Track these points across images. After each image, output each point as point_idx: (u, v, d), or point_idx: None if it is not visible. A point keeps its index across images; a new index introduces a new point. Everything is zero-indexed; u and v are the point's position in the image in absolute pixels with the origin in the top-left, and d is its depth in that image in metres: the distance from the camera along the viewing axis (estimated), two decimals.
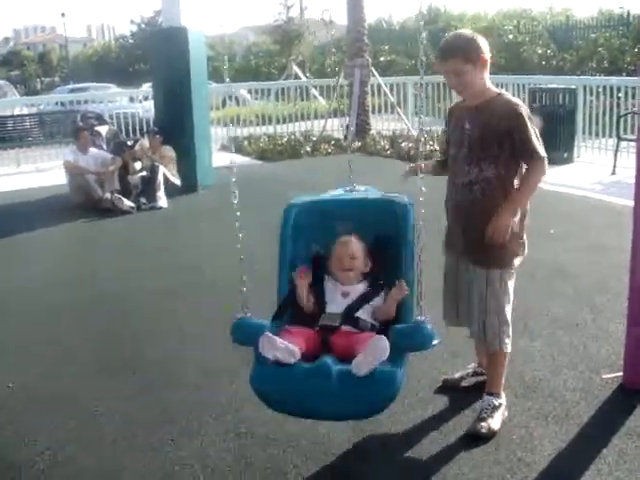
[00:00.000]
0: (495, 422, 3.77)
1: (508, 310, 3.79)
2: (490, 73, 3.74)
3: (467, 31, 3.85)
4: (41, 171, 13.01)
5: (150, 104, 13.41)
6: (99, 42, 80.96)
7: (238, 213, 3.38)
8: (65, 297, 6.23)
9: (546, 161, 3.59)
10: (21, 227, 8.71)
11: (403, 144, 13.34)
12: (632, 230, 4.17)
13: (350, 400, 2.95)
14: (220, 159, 12.75)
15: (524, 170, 3.68)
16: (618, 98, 12.15)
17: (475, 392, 4.06)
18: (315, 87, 19.12)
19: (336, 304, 3.38)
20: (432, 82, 14.46)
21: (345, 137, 14.69)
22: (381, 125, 16.19)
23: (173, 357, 4.94)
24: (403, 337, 3.07)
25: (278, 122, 16.39)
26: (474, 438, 3.71)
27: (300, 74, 25.98)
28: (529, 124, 3.57)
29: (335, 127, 16.08)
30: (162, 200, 10.03)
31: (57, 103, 18.62)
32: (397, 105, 15.73)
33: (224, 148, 15.04)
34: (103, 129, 11.96)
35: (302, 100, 18.15)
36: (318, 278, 3.49)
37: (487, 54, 3.67)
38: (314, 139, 14.67)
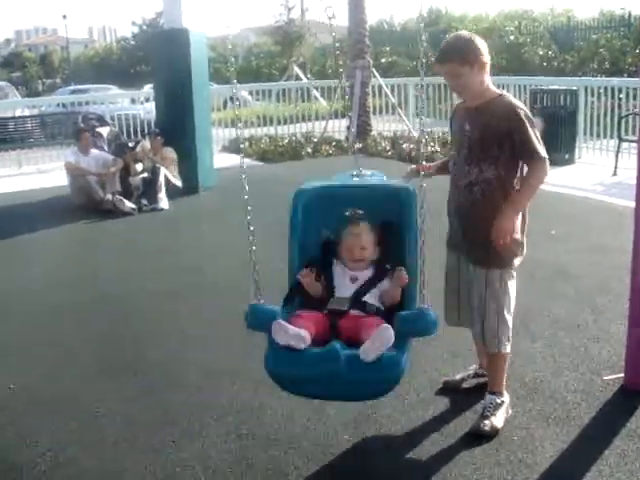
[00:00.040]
0: (498, 420, 3.78)
1: (508, 311, 3.79)
2: (491, 74, 3.75)
3: (465, 33, 3.86)
4: (42, 172, 13.02)
5: (151, 105, 13.43)
6: (100, 44, 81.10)
7: (249, 207, 3.46)
8: (66, 298, 6.23)
9: (547, 162, 3.59)
10: (22, 228, 8.72)
11: (404, 145, 13.34)
12: (633, 231, 4.17)
13: (358, 383, 3.07)
14: (221, 160, 12.76)
15: (525, 171, 3.69)
16: (619, 99, 12.14)
17: (476, 393, 4.06)
18: (316, 88, 19.11)
19: (344, 288, 3.45)
20: (433, 83, 14.44)
21: (346, 138, 14.69)
22: (382, 126, 16.19)
23: (174, 358, 4.94)
24: (407, 323, 3.16)
25: (279, 123, 16.39)
26: (477, 436, 3.72)
27: (301, 75, 25.98)
28: (529, 125, 3.58)
29: (336, 128, 16.08)
30: (163, 201, 10.03)
31: (59, 104, 18.62)
32: (398, 106, 15.73)
33: (225, 149, 15.07)
34: (104, 130, 11.97)
35: (303, 101, 18.15)
36: (327, 262, 3.57)
37: (486, 56, 3.67)
38: (315, 140, 14.67)
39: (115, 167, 10.34)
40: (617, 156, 10.99)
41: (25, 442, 3.90)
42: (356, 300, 3.40)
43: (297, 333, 3.09)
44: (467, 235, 3.80)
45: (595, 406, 4.03)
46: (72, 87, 32.95)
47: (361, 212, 3.59)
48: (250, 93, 19.62)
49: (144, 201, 9.93)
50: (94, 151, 10.66)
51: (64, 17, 68.74)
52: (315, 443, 3.77)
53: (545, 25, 25.89)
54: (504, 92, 3.84)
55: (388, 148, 13.62)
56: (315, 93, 18.88)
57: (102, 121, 12.55)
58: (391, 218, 3.62)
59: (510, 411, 3.90)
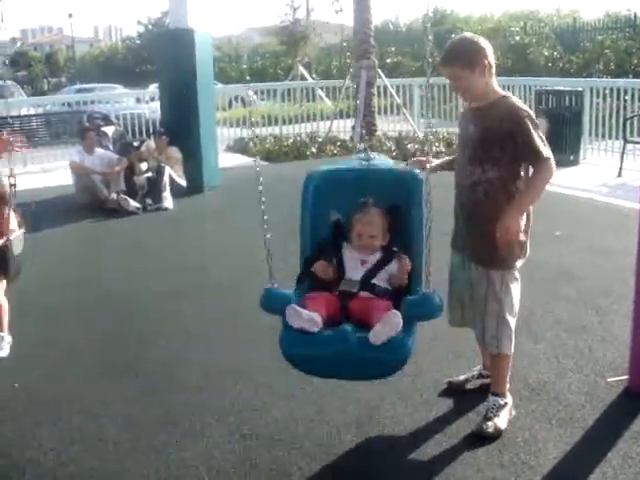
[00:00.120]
0: (501, 421, 3.78)
1: (510, 313, 3.78)
2: (496, 75, 3.75)
3: (469, 35, 3.86)
4: (47, 171, 13.03)
5: (156, 105, 13.43)
6: (106, 43, 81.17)
7: (263, 198, 3.48)
8: (70, 297, 6.24)
9: (552, 162, 3.57)
10: (27, 227, 8.71)
11: (409, 145, 13.34)
12: (638, 233, 4.15)
13: (367, 364, 3.22)
14: (226, 160, 12.78)
15: (530, 172, 3.68)
16: (625, 100, 12.13)
17: (480, 395, 4.05)
18: (321, 88, 19.12)
19: (354, 271, 3.56)
20: (438, 84, 14.44)
21: (351, 138, 14.68)
22: (387, 126, 16.19)
23: (177, 358, 4.94)
24: (414, 308, 3.29)
25: (284, 123, 16.40)
26: (480, 438, 3.72)
27: (306, 75, 26.00)
28: (531, 127, 3.56)
29: (341, 128, 16.08)
30: (168, 201, 10.04)
31: (64, 104, 18.64)
32: (403, 106, 15.73)
33: (230, 149, 15.07)
34: (109, 130, 11.97)
35: (308, 101, 18.16)
36: (337, 245, 3.67)
37: (489, 58, 3.67)
38: (320, 140, 14.66)
39: (120, 166, 10.34)
40: (622, 157, 10.98)
41: (27, 441, 3.90)
42: (365, 282, 3.52)
43: (310, 317, 3.22)
44: (470, 235, 3.81)
45: (599, 408, 4.02)
46: (77, 86, 33.01)
47: (373, 200, 3.67)
48: (255, 93, 19.62)
49: (149, 200, 9.93)
50: (99, 150, 10.66)
51: (70, 16, 68.84)
52: (318, 443, 3.77)
53: (551, 26, 25.81)
54: (508, 93, 3.83)
55: (393, 148, 13.62)
56: (320, 93, 18.88)
57: (107, 120, 12.56)
58: (398, 202, 3.70)
59: (513, 412, 3.89)
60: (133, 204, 9.74)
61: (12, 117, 13.68)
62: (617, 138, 11.95)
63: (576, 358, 4.65)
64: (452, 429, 3.86)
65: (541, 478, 3.43)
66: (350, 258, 3.61)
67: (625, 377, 4.28)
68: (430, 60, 3.42)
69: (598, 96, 12.43)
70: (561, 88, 12.62)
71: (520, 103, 3.73)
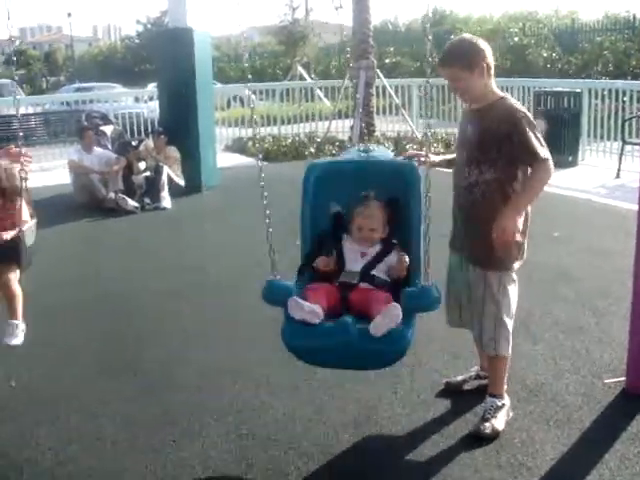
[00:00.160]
0: (499, 422, 3.78)
1: (507, 314, 3.78)
2: (495, 76, 3.76)
3: (468, 37, 3.86)
4: (45, 170, 13.00)
5: (155, 104, 13.45)
6: (105, 42, 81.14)
7: (266, 193, 3.56)
8: (68, 297, 6.23)
9: (550, 163, 3.57)
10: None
11: (407, 146, 13.34)
12: (636, 234, 4.16)
13: (367, 355, 3.28)
14: (224, 160, 12.78)
15: (528, 174, 3.68)
16: (623, 102, 12.14)
17: (477, 395, 4.06)
18: (320, 88, 19.11)
19: (354, 263, 3.61)
20: (436, 84, 14.43)
21: (350, 138, 14.67)
22: (385, 127, 16.19)
23: (175, 358, 4.94)
24: (412, 300, 3.34)
25: (283, 123, 16.39)
26: (477, 438, 3.72)
27: (305, 75, 26.00)
28: (528, 128, 3.56)
29: (339, 128, 16.08)
30: (166, 200, 10.04)
31: (62, 103, 18.62)
32: (402, 107, 15.73)
33: (228, 149, 15.07)
34: (108, 129, 11.98)
35: (307, 101, 18.15)
36: (337, 236, 3.72)
37: (488, 59, 3.68)
38: (318, 140, 14.66)
39: (118, 166, 10.36)
40: (620, 159, 10.99)
41: (26, 440, 3.90)
42: (365, 274, 3.57)
43: (311, 309, 3.27)
44: (467, 236, 3.81)
45: (596, 409, 4.02)
46: (76, 85, 32.99)
47: (373, 193, 3.70)
48: (253, 93, 19.61)
49: (147, 200, 9.94)
50: (97, 149, 10.67)
51: (69, 15, 69.06)
52: (315, 443, 3.77)
53: (549, 27, 25.84)
54: (507, 95, 3.84)
55: (392, 149, 13.61)
56: (319, 93, 18.88)
57: (106, 119, 12.57)
58: (397, 194, 3.73)
59: (511, 413, 3.90)
60: (131, 203, 9.74)
61: (10, 116, 13.67)
62: (615, 139, 11.96)
63: (573, 359, 4.66)
64: (450, 430, 3.86)
65: (538, 479, 3.43)
66: (350, 250, 3.65)
67: (622, 378, 4.29)
68: (429, 60, 3.44)
69: (597, 97, 12.44)
70: (560, 89, 12.63)
71: (518, 104, 3.74)
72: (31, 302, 5.38)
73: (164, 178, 10.17)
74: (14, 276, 4.92)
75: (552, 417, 3.94)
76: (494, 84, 3.76)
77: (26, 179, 4.48)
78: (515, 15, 30.99)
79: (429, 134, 4.03)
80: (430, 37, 3.96)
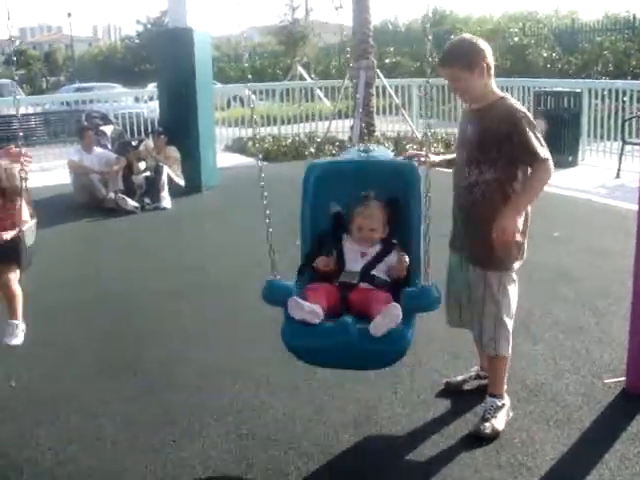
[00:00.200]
0: (499, 422, 3.78)
1: (507, 315, 3.78)
2: (495, 76, 3.75)
3: (468, 37, 3.86)
4: (45, 170, 13.00)
5: (155, 104, 13.45)
6: (105, 42, 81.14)
7: (266, 194, 3.59)
8: (68, 297, 6.24)
9: (550, 163, 3.57)
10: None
11: (407, 146, 13.34)
12: (636, 234, 4.16)
13: (368, 355, 3.29)
14: (224, 160, 12.78)
15: (528, 174, 3.68)
16: (623, 102, 12.14)
17: (477, 395, 4.06)
18: (320, 88, 19.11)
19: (354, 263, 3.62)
20: (436, 84, 14.43)
21: (350, 139, 14.67)
22: (385, 127, 16.19)
23: (175, 358, 4.94)
24: (413, 300, 3.35)
25: (283, 123, 16.39)
26: (477, 439, 3.72)
27: (305, 75, 26.00)
28: (528, 128, 3.56)
29: (339, 128, 16.07)
30: (166, 200, 10.04)
31: (62, 103, 18.62)
32: (402, 107, 15.72)
33: (228, 149, 15.07)
34: (108, 129, 11.99)
35: (307, 101, 18.15)
36: (337, 236, 3.73)
37: (488, 59, 3.68)
38: (318, 140, 14.66)
39: (118, 166, 10.36)
40: (620, 159, 10.99)
41: (26, 441, 3.90)
42: (365, 274, 3.58)
43: (311, 309, 3.28)
44: (467, 236, 3.81)
45: (596, 409, 4.02)
46: (76, 85, 32.98)
47: (374, 193, 3.71)
48: (254, 93, 19.61)
49: (147, 200, 9.94)
50: (97, 149, 10.67)
51: (69, 15, 69.08)
52: (315, 443, 3.77)
53: (549, 27, 25.84)
54: (507, 95, 3.83)
55: (392, 149, 13.61)
56: (319, 93, 18.87)
57: (106, 119, 12.57)
58: (396, 194, 3.74)
59: (511, 413, 3.90)
60: (131, 203, 9.75)
61: (10, 116, 13.67)
62: (615, 139, 11.96)
63: (573, 359, 4.66)
64: (449, 430, 3.86)
65: (538, 479, 3.43)
66: (350, 250, 3.67)
67: (622, 379, 4.29)
68: (430, 60, 3.45)
69: (597, 97, 12.44)
70: (560, 89, 12.63)
71: (518, 104, 3.73)
72: (31, 302, 5.39)
73: (164, 178, 10.17)
74: (14, 276, 4.92)
75: (552, 417, 3.94)
76: (494, 84, 3.76)
77: (26, 179, 4.48)
78: (515, 15, 30.99)
79: (429, 134, 4.03)
80: (430, 37, 3.97)
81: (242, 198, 10.09)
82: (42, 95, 35.07)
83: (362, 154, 4.04)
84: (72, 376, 4.72)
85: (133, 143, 11.39)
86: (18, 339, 4.94)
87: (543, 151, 3.55)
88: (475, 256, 3.78)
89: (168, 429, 3.96)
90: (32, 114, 15.24)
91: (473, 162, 3.71)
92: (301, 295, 3.42)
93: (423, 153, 3.86)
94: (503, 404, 3.85)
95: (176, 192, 10.40)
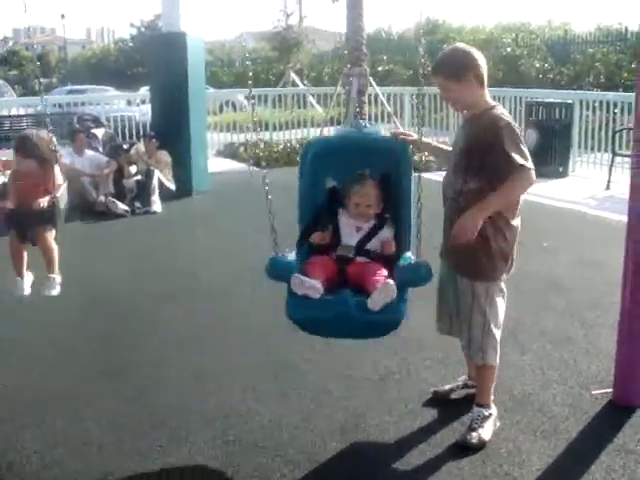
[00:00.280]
0: (485, 432, 3.78)
1: (495, 325, 3.79)
2: (488, 86, 3.76)
3: (461, 46, 3.86)
4: None
5: (147, 108, 13.41)
6: (98, 45, 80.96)
7: (267, 180, 3.90)
8: (58, 299, 6.19)
9: (528, 172, 3.53)
10: None
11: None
12: (624, 246, 4.18)
13: (365, 326, 3.53)
14: (216, 165, 12.77)
15: None
16: (614, 113, 12.18)
17: (465, 405, 4.06)
18: (312, 95, 19.11)
19: (350, 237, 3.83)
20: (428, 93, 14.46)
21: None
22: None
23: (165, 362, 4.92)
24: (406, 275, 3.59)
25: (274, 129, 16.38)
26: (464, 448, 3.71)
27: (298, 82, 26.01)
28: (509, 137, 3.54)
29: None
30: (156, 204, 10.03)
31: (55, 105, 18.58)
32: (394, 115, 15.72)
33: (220, 154, 15.05)
34: (99, 132, 11.97)
35: (299, 107, 18.15)
36: (333, 211, 3.92)
37: (480, 69, 3.68)
38: None
39: (109, 169, 10.34)
40: (610, 170, 11.03)
41: (11, 444, 3.88)
42: (361, 248, 3.79)
43: (312, 285, 3.49)
44: (454, 245, 3.81)
45: (583, 420, 4.03)
46: (69, 87, 32.90)
47: (369, 172, 3.88)
48: (246, 98, 19.60)
49: (137, 204, 9.93)
50: (89, 152, 10.66)
51: (62, 17, 68.79)
52: (302, 451, 3.76)
53: (542, 38, 25.90)
54: (497, 104, 3.82)
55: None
56: (311, 100, 18.88)
57: (97, 122, 12.55)
58: (389, 170, 3.93)
59: (498, 423, 3.90)
60: (121, 207, 9.73)
61: (2, 117, 13.65)
62: (606, 151, 12.00)
63: (561, 370, 4.66)
64: (436, 439, 3.86)
65: None
66: (346, 225, 3.86)
67: (609, 390, 4.30)
68: (422, 69, 3.48)
69: (588, 109, 12.48)
70: (551, 100, 12.69)
71: (503, 114, 3.70)
72: (23, 304, 5.39)
73: (155, 182, 10.16)
74: (50, 235, 5.32)
75: (539, 427, 3.95)
76: (487, 94, 3.76)
77: (57, 150, 5.26)
78: (508, 25, 31.01)
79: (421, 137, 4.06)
80: (423, 46, 4.00)
81: (233, 203, 10.11)
82: (34, 97, 34.96)
83: (356, 130, 4.21)
84: (59, 378, 4.69)
85: (124, 146, 11.36)
86: (56, 290, 5.38)
87: (521, 159, 3.51)
88: (462, 266, 3.78)
89: (155, 433, 3.95)
90: (24, 115, 15.19)
91: (459, 171, 3.73)
92: (301, 270, 3.62)
93: (409, 132, 4.15)
94: (490, 414, 3.85)
95: (167, 196, 10.40)
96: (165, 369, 4.81)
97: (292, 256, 3.84)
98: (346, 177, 3.92)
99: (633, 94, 4.27)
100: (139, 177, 10.24)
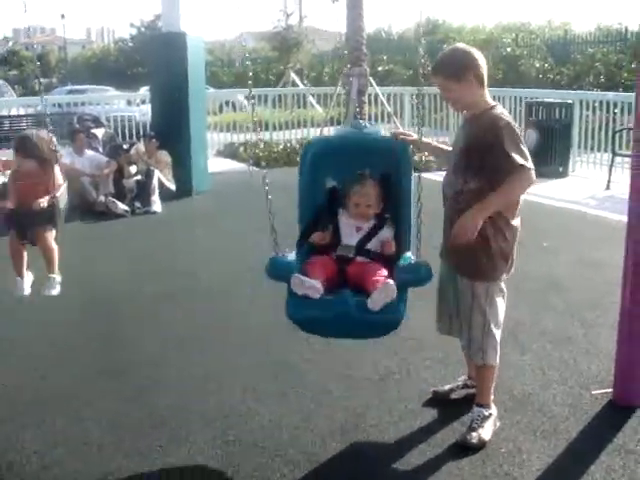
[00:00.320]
0: (485, 432, 3.78)
1: (495, 325, 3.79)
2: (488, 86, 3.76)
3: (461, 47, 3.86)
4: None
5: (147, 108, 13.41)
6: (98, 45, 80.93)
7: (267, 180, 3.91)
8: (59, 299, 6.19)
9: (528, 172, 3.53)
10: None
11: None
12: (624, 246, 4.17)
13: (365, 326, 3.55)
14: (216, 165, 12.78)
15: None
16: (614, 113, 12.19)
17: (465, 405, 4.06)
18: (312, 95, 19.11)
19: (350, 237, 3.83)
20: (428, 93, 14.46)
21: None
22: None
23: (165, 362, 4.92)
24: (405, 275, 3.60)
25: (274, 129, 16.37)
26: (464, 448, 3.71)
27: (298, 82, 26.01)
28: (508, 137, 3.54)
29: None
30: (156, 204, 10.03)
31: (54, 104, 18.58)
32: (394, 115, 15.73)
33: (220, 154, 15.05)
34: (99, 132, 11.97)
35: (299, 107, 18.14)
36: (333, 211, 3.93)
37: (479, 70, 3.68)
38: None
39: (109, 169, 10.34)
40: (610, 170, 11.03)
41: (11, 444, 3.87)
42: (361, 248, 3.79)
43: (312, 285, 3.49)
44: (454, 246, 3.81)
45: (583, 420, 4.03)
46: (69, 87, 32.90)
47: (369, 171, 3.88)
48: (246, 98, 19.60)
49: (137, 204, 9.93)
50: (88, 152, 10.66)
51: (62, 17, 68.82)
52: (302, 451, 3.76)
53: (542, 38, 25.90)
54: (497, 104, 3.81)
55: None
56: (311, 100, 18.87)
57: (97, 122, 12.56)
58: (389, 170, 3.93)
59: (498, 423, 3.90)
60: (121, 207, 9.73)
61: (2, 117, 13.65)
62: (606, 151, 12.00)
63: (561, 370, 4.66)
64: (437, 439, 3.86)
65: None
66: (346, 225, 3.86)
67: (609, 390, 4.29)
68: (422, 69, 3.48)
69: (588, 109, 12.48)
70: (551, 100, 12.68)
71: (503, 114, 3.69)
72: (23, 304, 5.39)
73: (155, 182, 10.16)
74: (50, 235, 5.38)
75: (539, 428, 3.95)
76: (487, 94, 3.76)
77: (57, 151, 5.36)
78: (508, 25, 31.01)
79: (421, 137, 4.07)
80: (423, 46, 4.01)
81: (233, 203, 10.11)
82: (34, 97, 34.95)
83: (356, 131, 4.22)
84: (59, 378, 4.69)
85: (124, 146, 11.36)
86: (56, 290, 5.45)
87: (520, 159, 3.51)
88: (462, 266, 3.79)
89: (155, 434, 3.95)
90: (24, 115, 15.19)
91: (459, 171, 3.72)
92: (302, 270, 3.62)
93: (409, 132, 4.16)
94: (490, 414, 3.85)
95: (166, 196, 10.40)
96: (165, 369, 4.81)
97: (292, 256, 3.84)
98: (346, 177, 3.92)
99: (633, 94, 4.27)
100: (139, 177, 10.24)
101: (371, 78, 15.39)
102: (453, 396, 4.27)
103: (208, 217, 9.55)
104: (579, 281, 6.48)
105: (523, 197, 3.76)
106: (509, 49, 24.72)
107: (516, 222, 3.76)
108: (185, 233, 8.74)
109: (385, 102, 15.70)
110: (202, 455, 3.74)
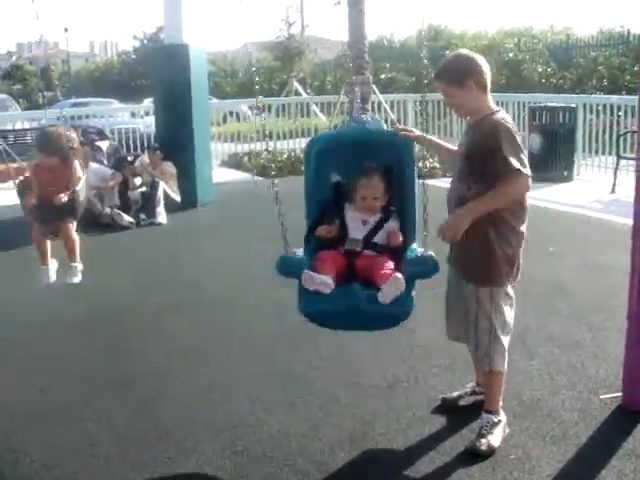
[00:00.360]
0: (495, 439, 3.76)
1: (502, 331, 3.77)
2: (490, 91, 3.75)
3: (464, 52, 3.88)
4: None
5: (151, 119, 13.43)
6: (102, 58, 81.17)
7: (276, 181, 4.04)
8: (66, 311, 6.23)
9: (523, 177, 3.52)
10: (22, 241, 8.67)
11: None
12: (631, 249, 4.16)
13: (375, 318, 3.66)
14: (220, 175, 12.79)
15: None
16: (618, 116, 12.17)
17: (473, 411, 4.04)
18: (316, 104, 19.12)
19: (357, 231, 3.89)
20: (432, 100, 14.46)
21: None
22: None
23: (171, 373, 4.91)
24: (413, 267, 3.68)
25: (278, 138, 16.39)
26: (473, 455, 3.70)
27: (301, 90, 26.04)
28: (507, 142, 3.53)
29: None
30: (162, 216, 10.04)
31: (58, 118, 18.60)
32: (397, 122, 15.73)
33: (224, 164, 15.07)
34: (104, 144, 11.97)
35: (302, 116, 18.16)
36: (339, 205, 3.98)
37: (482, 75, 3.68)
38: None
39: (114, 181, 10.34)
40: (615, 173, 11.01)
41: (18, 457, 3.87)
42: (368, 241, 3.85)
43: (323, 280, 3.56)
44: (457, 250, 3.83)
45: (592, 425, 4.01)
46: (73, 100, 32.98)
47: (375, 164, 3.93)
48: (250, 108, 19.63)
49: (142, 215, 9.94)
50: (93, 165, 10.65)
51: (65, 30, 69.20)
52: (311, 460, 3.75)
53: (544, 42, 25.89)
54: (500, 109, 3.81)
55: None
56: (314, 108, 18.88)
57: (102, 135, 12.55)
58: (392, 163, 3.97)
59: (507, 430, 3.88)
60: (127, 219, 9.74)
61: (6, 131, 13.66)
62: (610, 154, 11.99)
63: (569, 374, 4.64)
64: (445, 446, 3.84)
65: None
66: (352, 218, 3.92)
67: (618, 394, 4.27)
68: (425, 77, 3.49)
69: (591, 112, 12.48)
70: (555, 104, 12.66)
71: (504, 119, 3.68)
72: (27, 316, 5.39)
73: (160, 193, 10.17)
74: (71, 226, 5.76)
75: (548, 433, 3.93)
76: (490, 99, 3.76)
77: (73, 148, 5.58)
78: (510, 31, 31.02)
79: (425, 152, 4.11)
80: (425, 53, 4.02)
81: (238, 214, 10.12)
82: (38, 110, 35.02)
83: (359, 125, 4.23)
84: (66, 390, 4.69)
85: (129, 158, 11.37)
86: (78, 278, 5.84)
87: (517, 164, 3.50)
88: (468, 272, 3.78)
89: (161, 445, 3.94)
90: (28, 129, 15.21)
91: (462, 176, 3.72)
92: (311, 266, 3.67)
93: (410, 128, 4.19)
94: (499, 420, 3.84)
95: (172, 207, 10.40)
96: (170, 380, 4.80)
97: (300, 252, 3.90)
98: (350, 171, 3.97)
99: (636, 97, 4.28)
100: (144, 189, 10.25)
101: (374, 86, 15.43)
102: (461, 403, 4.26)
103: (213, 228, 9.55)
104: (584, 285, 6.46)
105: (529, 202, 3.76)
106: (511, 54, 24.72)
107: (523, 228, 3.75)
108: (190, 244, 8.74)
109: (389, 109, 15.72)
110: (211, 466, 3.74)
